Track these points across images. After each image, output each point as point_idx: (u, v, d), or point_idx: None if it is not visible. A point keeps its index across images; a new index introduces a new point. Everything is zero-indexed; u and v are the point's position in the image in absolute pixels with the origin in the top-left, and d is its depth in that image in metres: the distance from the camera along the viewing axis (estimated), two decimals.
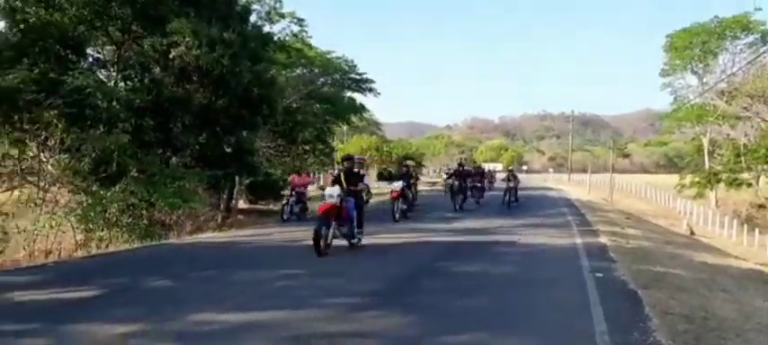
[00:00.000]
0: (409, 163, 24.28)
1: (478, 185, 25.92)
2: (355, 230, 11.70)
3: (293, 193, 19.11)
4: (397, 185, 18.57)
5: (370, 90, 37.25)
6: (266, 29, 25.85)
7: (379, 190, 31.40)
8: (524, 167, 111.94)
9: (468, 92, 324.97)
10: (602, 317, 6.65)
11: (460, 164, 24.40)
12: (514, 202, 24.28)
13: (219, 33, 17.85)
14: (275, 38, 26.68)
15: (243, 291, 7.79)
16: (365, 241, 12.18)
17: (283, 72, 30.27)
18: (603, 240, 14.49)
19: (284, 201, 19.49)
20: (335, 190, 11.04)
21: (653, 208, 39.23)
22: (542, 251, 12.42)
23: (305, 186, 19.91)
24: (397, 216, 17.81)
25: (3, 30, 16.54)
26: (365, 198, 12.77)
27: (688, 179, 44.28)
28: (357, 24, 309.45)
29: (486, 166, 43.93)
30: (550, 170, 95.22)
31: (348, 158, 12.43)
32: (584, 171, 69.03)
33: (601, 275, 9.37)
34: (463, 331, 6.10)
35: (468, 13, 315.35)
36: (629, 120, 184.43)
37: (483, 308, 7.18)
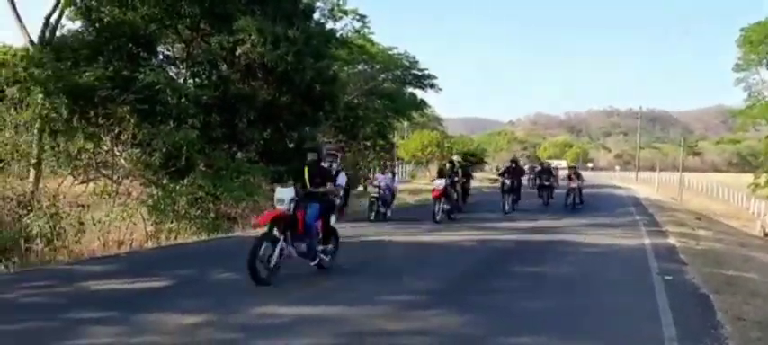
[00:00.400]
0: (455, 158, 21.51)
1: (546, 184, 24.73)
2: (319, 247, 8.56)
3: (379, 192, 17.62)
4: (440, 183, 17.04)
5: (432, 86, 37.11)
6: (329, 26, 26.13)
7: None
8: (590, 165, 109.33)
9: (531, 87, 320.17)
10: (671, 322, 6.43)
11: (513, 161, 23.10)
12: (579, 204, 22.18)
13: (284, 31, 18.14)
14: (337, 34, 26.91)
15: (305, 285, 7.91)
16: (411, 237, 11.90)
17: (345, 68, 30.53)
18: (673, 241, 13.99)
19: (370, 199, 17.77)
20: (288, 192, 8.16)
21: (725, 209, 37.58)
22: (609, 252, 12.10)
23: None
24: (437, 217, 16.16)
25: (80, 30, 17.32)
26: (340, 202, 10.19)
27: (763, 178, 42.20)
28: (418, 20, 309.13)
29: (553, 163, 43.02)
30: (617, 168, 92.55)
31: (314, 149, 9.45)
32: (653, 169, 66.80)
33: (670, 278, 9.06)
34: (524, 332, 6.01)
35: (532, 2, 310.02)
36: (699, 117, 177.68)
37: (546, 310, 7.05)
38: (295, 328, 5.85)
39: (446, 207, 16.88)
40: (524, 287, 8.23)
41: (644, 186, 49.84)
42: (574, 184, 22.29)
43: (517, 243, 12.96)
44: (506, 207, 20.06)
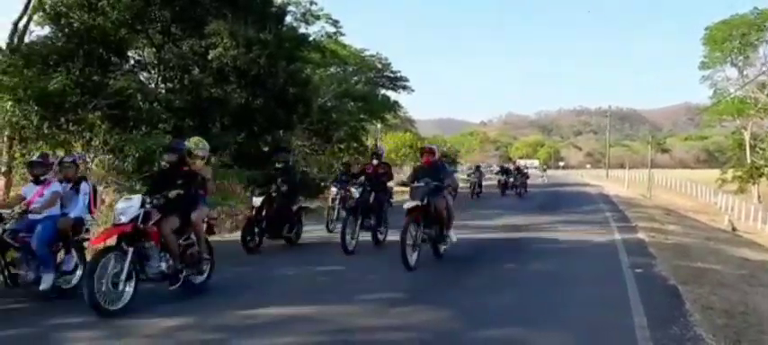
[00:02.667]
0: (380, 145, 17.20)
1: (517, 182, 30.16)
2: (177, 267, 7.04)
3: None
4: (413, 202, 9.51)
5: (404, 87, 37.38)
6: (302, 30, 26.20)
7: None
8: (561, 163, 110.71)
9: (503, 88, 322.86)
10: (642, 312, 6.64)
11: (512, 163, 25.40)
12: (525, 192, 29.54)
13: (256, 34, 18.17)
14: (310, 39, 26.98)
15: (285, 286, 7.99)
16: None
17: (318, 71, 30.59)
18: (642, 236, 14.31)
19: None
20: (133, 203, 6.70)
21: (693, 204, 38.44)
22: (580, 247, 12.33)
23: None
24: (412, 261, 9.02)
25: (49, 36, 17.11)
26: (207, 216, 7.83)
27: (729, 173, 43.35)
28: (390, 19, 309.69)
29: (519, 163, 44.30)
30: (588, 166, 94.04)
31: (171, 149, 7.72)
32: (622, 166, 67.98)
33: (640, 271, 9.30)
34: (501, 325, 6.17)
35: (503, 6, 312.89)
36: (667, 115, 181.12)
37: (521, 304, 7.22)
38: (279, 327, 5.94)
39: (430, 233, 9.66)
40: (499, 284, 8.38)
41: (614, 183, 50.68)
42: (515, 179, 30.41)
43: (489, 241, 13.13)
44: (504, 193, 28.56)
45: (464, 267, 9.67)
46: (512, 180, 30.48)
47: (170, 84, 19.22)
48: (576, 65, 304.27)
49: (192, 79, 18.80)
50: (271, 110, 19.36)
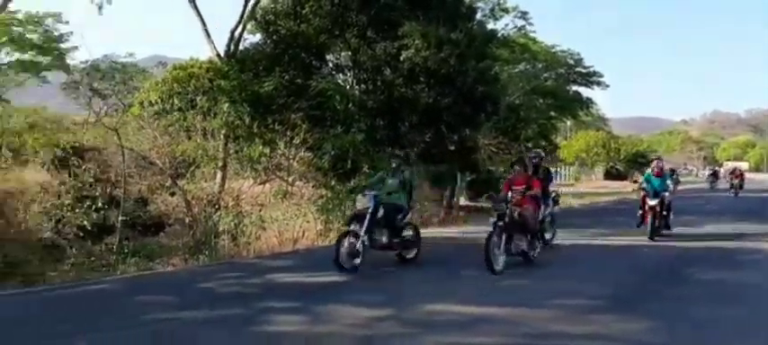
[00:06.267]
0: (538, 151, 14.29)
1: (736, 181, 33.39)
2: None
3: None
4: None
5: (598, 83, 35.44)
6: (490, 25, 25.95)
7: (609, 190, 29.61)
8: None
9: (707, 83, 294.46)
10: None
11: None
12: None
13: (447, 34, 18.32)
14: (499, 34, 26.65)
15: (472, 286, 8.01)
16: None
17: (506, 68, 30.11)
18: None
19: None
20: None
21: None
22: None
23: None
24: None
25: (260, 43, 18.80)
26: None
27: None
28: (583, 18, 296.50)
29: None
30: None
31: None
32: None
33: None
34: (713, 341, 5.63)
35: None
36: None
37: (737, 318, 6.50)
38: (469, 327, 5.98)
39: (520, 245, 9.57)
40: (705, 295, 7.64)
41: None
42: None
43: (687, 249, 12.01)
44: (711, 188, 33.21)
45: (661, 277, 8.97)
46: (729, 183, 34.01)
47: (364, 86, 20.10)
48: None
49: (383, 80, 19.46)
50: (458, 108, 19.43)
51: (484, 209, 26.13)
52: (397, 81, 19.18)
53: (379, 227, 9.28)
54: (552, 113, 37.05)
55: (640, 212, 13.86)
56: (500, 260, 8.78)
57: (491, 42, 22.90)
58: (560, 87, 35.96)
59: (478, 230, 15.46)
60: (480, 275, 8.65)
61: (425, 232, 15.43)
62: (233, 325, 6.03)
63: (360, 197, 10.03)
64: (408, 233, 9.91)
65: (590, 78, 35.18)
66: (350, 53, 20.11)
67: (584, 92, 37.17)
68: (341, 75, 20.70)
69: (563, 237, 12.63)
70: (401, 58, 18.57)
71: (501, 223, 8.96)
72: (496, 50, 24.95)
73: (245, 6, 18.11)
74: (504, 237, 8.95)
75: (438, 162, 19.63)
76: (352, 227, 9.19)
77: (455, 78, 18.75)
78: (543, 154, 14.43)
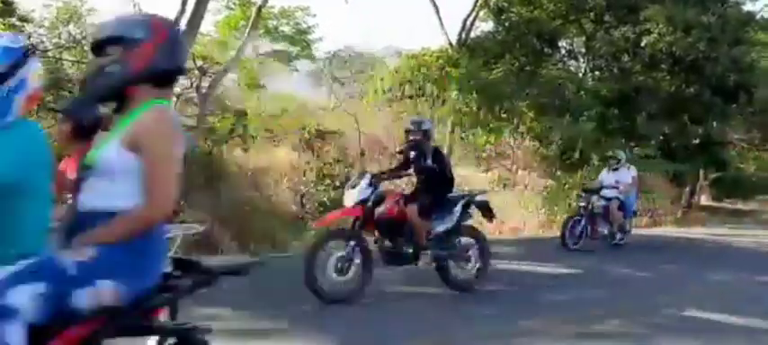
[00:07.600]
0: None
1: None
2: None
3: None
4: None
5: None
6: (747, 7, 23.04)
7: None
8: None
9: None
10: None
11: None
12: None
13: (696, 17, 16.76)
14: (758, 16, 23.58)
15: (717, 291, 7.35)
16: None
17: (765, 54, 26.55)
18: None
19: None
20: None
21: None
22: None
23: None
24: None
25: (491, 30, 18.89)
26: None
27: None
28: None
29: None
30: None
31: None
32: None
33: None
34: None
35: None
36: None
37: None
38: (719, 335, 5.52)
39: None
40: None
41: None
42: None
43: None
44: None
45: None
46: None
47: (598, 73, 19.22)
48: None
49: (621, 67, 18.44)
50: (705, 98, 17.70)
51: (734, 212, 23.55)
52: (635, 68, 18.08)
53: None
54: None
55: None
56: None
57: (748, 25, 20.39)
58: None
59: (726, 233, 14.12)
60: (724, 280, 7.76)
61: (655, 230, 14.51)
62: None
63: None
64: None
65: None
66: (584, 39, 19.38)
67: None
68: (573, 61, 20.05)
69: None
70: (642, 44, 17.40)
71: None
72: (755, 34, 22.11)
73: None
74: None
75: (677, 157, 18.09)
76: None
77: (703, 65, 17.13)
78: None
